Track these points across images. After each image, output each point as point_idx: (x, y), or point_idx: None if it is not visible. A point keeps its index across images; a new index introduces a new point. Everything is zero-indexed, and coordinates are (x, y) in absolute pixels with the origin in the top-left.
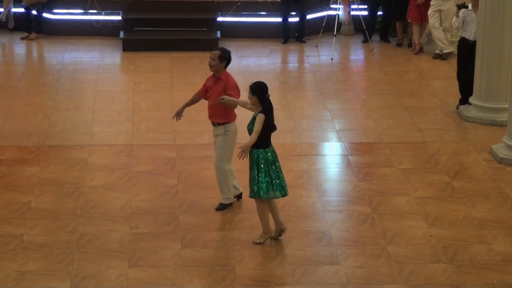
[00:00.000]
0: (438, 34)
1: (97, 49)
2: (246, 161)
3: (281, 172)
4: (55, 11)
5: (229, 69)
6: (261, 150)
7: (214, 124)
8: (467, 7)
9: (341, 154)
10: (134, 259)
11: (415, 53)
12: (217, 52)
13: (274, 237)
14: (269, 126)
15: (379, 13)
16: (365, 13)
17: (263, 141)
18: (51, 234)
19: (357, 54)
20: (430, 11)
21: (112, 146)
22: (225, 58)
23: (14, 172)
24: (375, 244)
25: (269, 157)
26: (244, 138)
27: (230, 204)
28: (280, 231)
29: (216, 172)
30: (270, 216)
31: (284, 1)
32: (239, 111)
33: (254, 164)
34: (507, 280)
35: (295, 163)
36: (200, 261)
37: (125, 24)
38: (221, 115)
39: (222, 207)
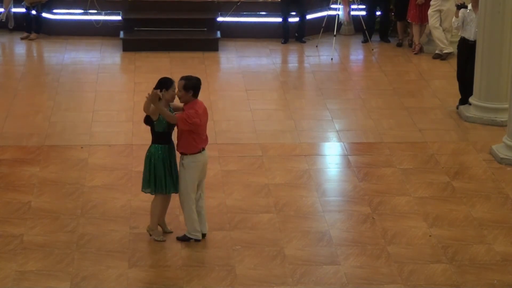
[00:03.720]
0: (438, 34)
1: (97, 49)
2: (244, 163)
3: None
4: (55, 11)
5: (230, 68)
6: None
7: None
8: (466, 7)
9: (341, 154)
10: (134, 259)
11: (415, 53)
12: (182, 82)
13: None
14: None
15: (378, 13)
16: (365, 13)
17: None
18: (51, 234)
19: (357, 54)
20: (430, 11)
21: (112, 146)
22: (191, 86)
23: (14, 172)
24: (375, 244)
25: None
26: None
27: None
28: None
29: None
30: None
31: (284, 1)
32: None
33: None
34: (507, 280)
35: (295, 163)
36: (200, 261)
37: (125, 24)
38: (180, 144)
39: (183, 238)
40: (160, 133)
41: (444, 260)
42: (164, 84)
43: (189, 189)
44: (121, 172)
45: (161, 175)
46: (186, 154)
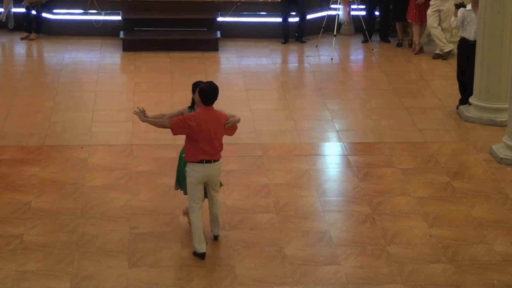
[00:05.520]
0: (436, 33)
1: (97, 49)
2: (244, 163)
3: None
4: (55, 11)
5: (230, 68)
6: None
7: None
8: (465, 6)
9: (341, 154)
10: (134, 259)
11: (415, 53)
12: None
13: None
14: None
15: (377, 13)
16: (365, 13)
17: None
18: (51, 234)
19: (357, 54)
20: (429, 11)
21: (112, 146)
22: (198, 90)
23: (14, 172)
24: (375, 244)
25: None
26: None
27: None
28: None
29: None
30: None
31: (284, 1)
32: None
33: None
34: (507, 280)
35: (295, 163)
36: (200, 261)
37: (125, 24)
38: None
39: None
40: None
41: (444, 260)
42: (193, 88)
43: (190, 197)
44: (121, 172)
45: (183, 174)
46: (186, 161)
